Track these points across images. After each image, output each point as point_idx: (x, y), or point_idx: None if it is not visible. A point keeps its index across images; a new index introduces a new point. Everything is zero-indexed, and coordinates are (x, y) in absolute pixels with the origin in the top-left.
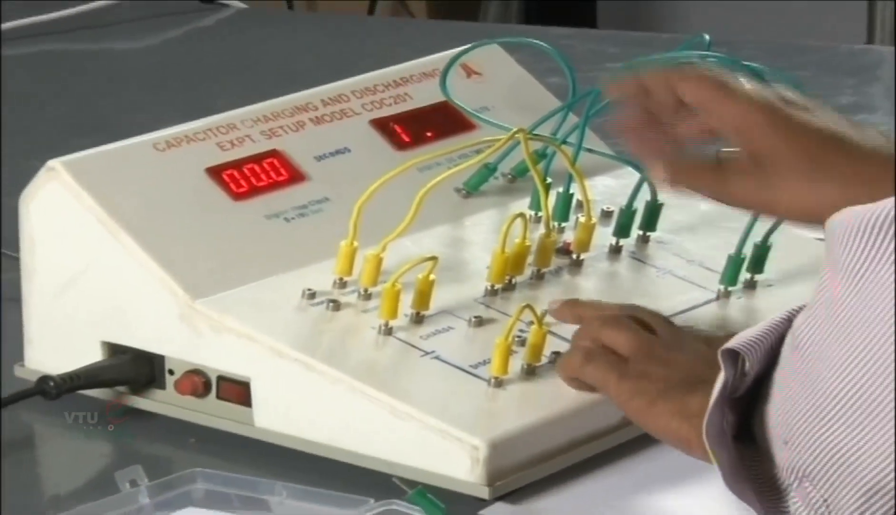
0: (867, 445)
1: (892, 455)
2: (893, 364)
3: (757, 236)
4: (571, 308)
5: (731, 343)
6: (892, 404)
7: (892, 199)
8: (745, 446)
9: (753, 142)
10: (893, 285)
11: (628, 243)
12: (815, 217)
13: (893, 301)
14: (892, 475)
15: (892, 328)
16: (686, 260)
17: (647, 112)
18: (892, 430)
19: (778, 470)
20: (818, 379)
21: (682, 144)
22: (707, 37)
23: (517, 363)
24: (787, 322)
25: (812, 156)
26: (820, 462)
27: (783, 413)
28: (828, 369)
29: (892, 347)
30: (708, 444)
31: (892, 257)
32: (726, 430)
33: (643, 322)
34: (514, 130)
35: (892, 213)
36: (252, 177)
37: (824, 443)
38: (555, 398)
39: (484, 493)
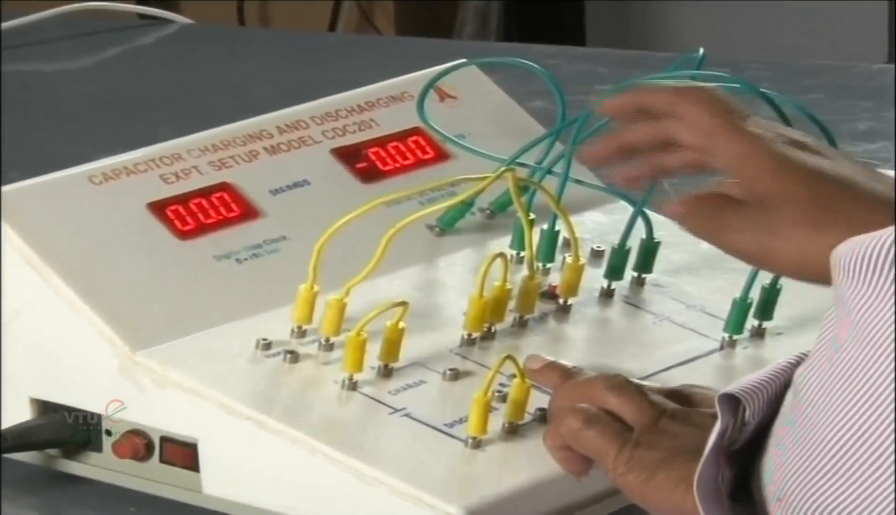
0: (867, 500)
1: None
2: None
3: (765, 278)
4: (556, 372)
5: (731, 388)
6: (895, 454)
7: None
8: (741, 506)
9: (755, 185)
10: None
11: (621, 286)
12: (814, 270)
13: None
14: None
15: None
16: (686, 305)
17: (629, 141)
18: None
19: None
20: (815, 428)
21: (669, 176)
22: (701, 51)
23: (497, 422)
24: (795, 367)
25: (820, 204)
26: None
27: (777, 467)
28: (825, 417)
29: (894, 391)
30: (699, 499)
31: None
32: (721, 486)
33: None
34: (503, 169)
35: (889, 243)
36: (200, 213)
37: (819, 499)
38: (540, 460)
39: None
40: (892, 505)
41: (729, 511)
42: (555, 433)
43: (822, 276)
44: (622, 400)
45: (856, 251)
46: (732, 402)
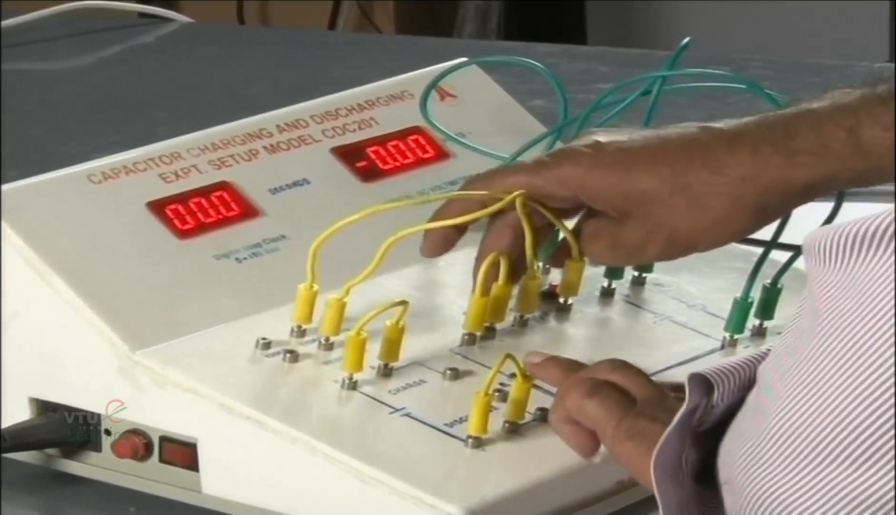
0: (802, 490)
1: (833, 504)
2: (838, 401)
3: (766, 277)
4: (558, 367)
5: (703, 369)
6: (834, 447)
7: (875, 214)
8: (705, 488)
9: (611, 200)
10: (851, 314)
11: (621, 285)
12: (725, 231)
13: (847, 333)
14: None
15: (841, 361)
16: (687, 304)
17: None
18: (832, 475)
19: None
20: (763, 415)
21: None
22: (687, 40)
23: (498, 421)
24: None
25: (672, 173)
26: (755, 509)
27: (727, 452)
28: (774, 404)
29: (838, 382)
30: (654, 474)
31: (855, 282)
32: (683, 465)
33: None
34: (515, 194)
35: (862, 229)
36: (199, 212)
37: (759, 487)
38: (541, 460)
39: None
40: (825, 499)
41: (689, 491)
42: (559, 406)
43: (740, 231)
44: (628, 378)
45: (827, 237)
46: (704, 383)
